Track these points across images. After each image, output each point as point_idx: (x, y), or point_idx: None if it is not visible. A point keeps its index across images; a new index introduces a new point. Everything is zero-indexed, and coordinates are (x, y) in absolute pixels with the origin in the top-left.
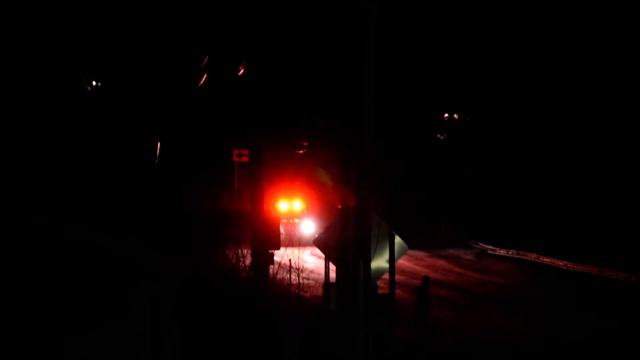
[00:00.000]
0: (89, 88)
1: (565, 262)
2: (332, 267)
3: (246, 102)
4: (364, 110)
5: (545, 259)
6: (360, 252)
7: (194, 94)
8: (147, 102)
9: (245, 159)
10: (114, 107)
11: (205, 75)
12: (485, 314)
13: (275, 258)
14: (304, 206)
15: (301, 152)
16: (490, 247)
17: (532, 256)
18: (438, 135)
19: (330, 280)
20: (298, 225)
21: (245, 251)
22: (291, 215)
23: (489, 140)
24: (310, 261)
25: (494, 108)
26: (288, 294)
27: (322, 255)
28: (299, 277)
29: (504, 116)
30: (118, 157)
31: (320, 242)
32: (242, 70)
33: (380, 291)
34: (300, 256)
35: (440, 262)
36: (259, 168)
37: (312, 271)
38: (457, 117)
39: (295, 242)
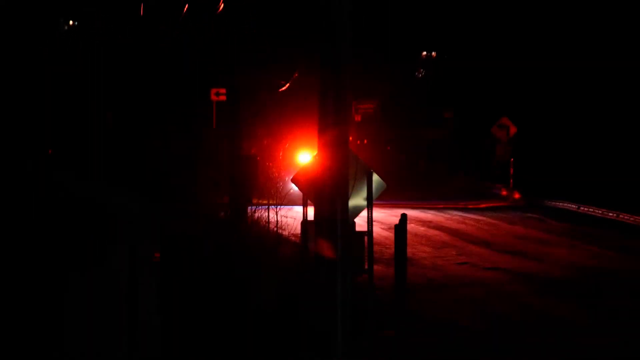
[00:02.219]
0: (66, 27)
1: None
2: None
3: (225, 40)
4: (339, 33)
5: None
6: (338, 189)
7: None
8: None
9: (223, 97)
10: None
11: (186, 8)
12: None
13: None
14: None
15: (282, 90)
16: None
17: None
18: (416, 74)
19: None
20: None
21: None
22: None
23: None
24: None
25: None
26: (266, 233)
27: None
28: (277, 214)
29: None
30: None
31: (297, 180)
32: (221, 6)
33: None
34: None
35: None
36: (237, 107)
37: (290, 209)
38: (435, 55)
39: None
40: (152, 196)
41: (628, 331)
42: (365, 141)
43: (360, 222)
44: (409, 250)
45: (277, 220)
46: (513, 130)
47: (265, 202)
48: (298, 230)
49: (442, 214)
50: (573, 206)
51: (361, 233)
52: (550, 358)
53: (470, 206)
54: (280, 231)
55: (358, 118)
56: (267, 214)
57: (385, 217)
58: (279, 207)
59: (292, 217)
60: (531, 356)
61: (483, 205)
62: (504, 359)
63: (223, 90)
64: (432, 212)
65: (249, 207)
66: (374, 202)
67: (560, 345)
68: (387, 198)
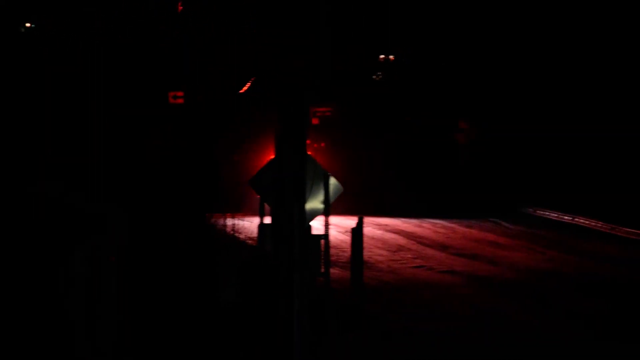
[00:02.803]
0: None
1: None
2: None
3: (182, 40)
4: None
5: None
6: (295, 192)
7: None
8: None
9: (180, 100)
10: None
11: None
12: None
13: None
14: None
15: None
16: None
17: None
18: (374, 77)
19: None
20: None
21: None
22: None
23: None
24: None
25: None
26: (223, 236)
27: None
28: (233, 217)
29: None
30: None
31: (255, 183)
32: (180, 7)
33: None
34: None
35: None
36: (194, 110)
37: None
38: (392, 59)
39: None
40: (129, 202)
41: (574, 329)
42: (323, 144)
43: (318, 226)
44: (366, 253)
45: (233, 224)
46: (473, 132)
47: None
48: (255, 234)
49: (399, 217)
50: (529, 210)
51: (318, 236)
52: (501, 357)
53: None
54: (237, 234)
55: (315, 121)
56: (223, 218)
57: (342, 220)
58: (236, 214)
59: (249, 220)
60: (482, 356)
61: None
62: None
63: (180, 93)
64: (389, 216)
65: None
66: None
67: (511, 345)
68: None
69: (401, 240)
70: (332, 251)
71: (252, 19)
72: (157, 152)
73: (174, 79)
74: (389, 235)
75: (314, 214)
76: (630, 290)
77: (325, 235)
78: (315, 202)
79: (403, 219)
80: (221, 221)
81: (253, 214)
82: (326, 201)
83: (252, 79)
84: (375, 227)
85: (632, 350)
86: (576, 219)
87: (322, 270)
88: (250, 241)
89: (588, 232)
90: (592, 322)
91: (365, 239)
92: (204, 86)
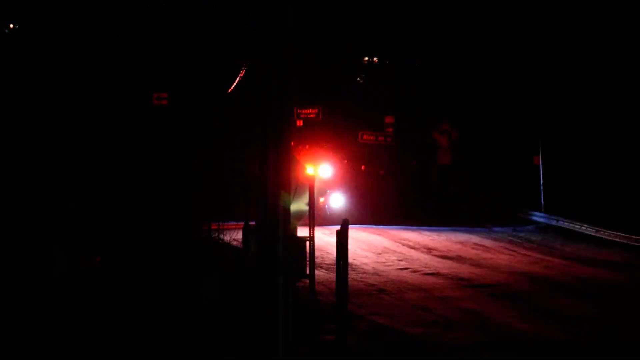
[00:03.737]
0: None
1: None
2: None
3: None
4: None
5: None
6: (279, 194)
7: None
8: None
9: (164, 102)
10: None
11: None
12: None
13: None
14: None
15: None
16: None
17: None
18: (358, 79)
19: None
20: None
21: None
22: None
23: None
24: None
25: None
26: (207, 238)
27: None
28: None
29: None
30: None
31: (240, 184)
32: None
33: None
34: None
35: None
36: (179, 112)
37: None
38: (376, 61)
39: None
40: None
41: (557, 327)
42: (307, 146)
43: (303, 228)
44: (351, 255)
45: (218, 225)
46: (454, 135)
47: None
48: (239, 235)
49: (383, 224)
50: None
51: (303, 238)
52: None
53: None
54: (221, 236)
55: (300, 123)
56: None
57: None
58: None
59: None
60: (465, 356)
61: None
62: None
63: (165, 95)
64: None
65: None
66: None
67: (493, 345)
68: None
69: (386, 243)
70: (317, 253)
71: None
72: (141, 153)
73: (159, 80)
74: (374, 238)
75: (299, 215)
76: (601, 289)
77: (311, 237)
78: (300, 204)
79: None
80: (206, 224)
81: (240, 218)
82: (311, 203)
83: (237, 79)
84: (359, 229)
85: (592, 342)
86: (560, 222)
87: (307, 272)
88: (235, 242)
89: (571, 234)
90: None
91: (350, 241)
92: (192, 87)
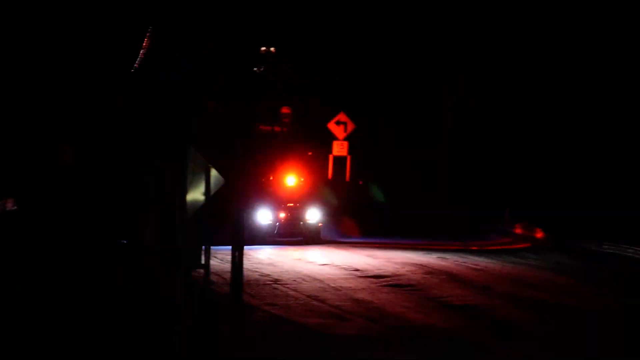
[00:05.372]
0: None
1: None
2: None
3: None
4: None
5: None
6: (175, 184)
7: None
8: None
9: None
10: None
11: None
12: None
13: None
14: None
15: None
16: None
17: None
18: (255, 69)
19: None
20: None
21: None
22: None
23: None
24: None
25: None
26: None
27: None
28: None
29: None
30: None
31: (138, 173)
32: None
33: None
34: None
35: None
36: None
37: None
38: (274, 51)
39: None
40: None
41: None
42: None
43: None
44: None
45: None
46: (350, 127)
47: None
48: None
49: None
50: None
51: (196, 227)
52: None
53: None
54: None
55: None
56: None
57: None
58: None
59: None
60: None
61: None
62: (334, 350)
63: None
64: None
65: None
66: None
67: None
68: None
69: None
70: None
71: None
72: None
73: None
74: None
75: (195, 205)
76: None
77: (207, 227)
78: (196, 193)
79: None
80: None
81: None
82: (207, 193)
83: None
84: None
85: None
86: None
87: (203, 261)
88: None
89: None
90: None
91: None
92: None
